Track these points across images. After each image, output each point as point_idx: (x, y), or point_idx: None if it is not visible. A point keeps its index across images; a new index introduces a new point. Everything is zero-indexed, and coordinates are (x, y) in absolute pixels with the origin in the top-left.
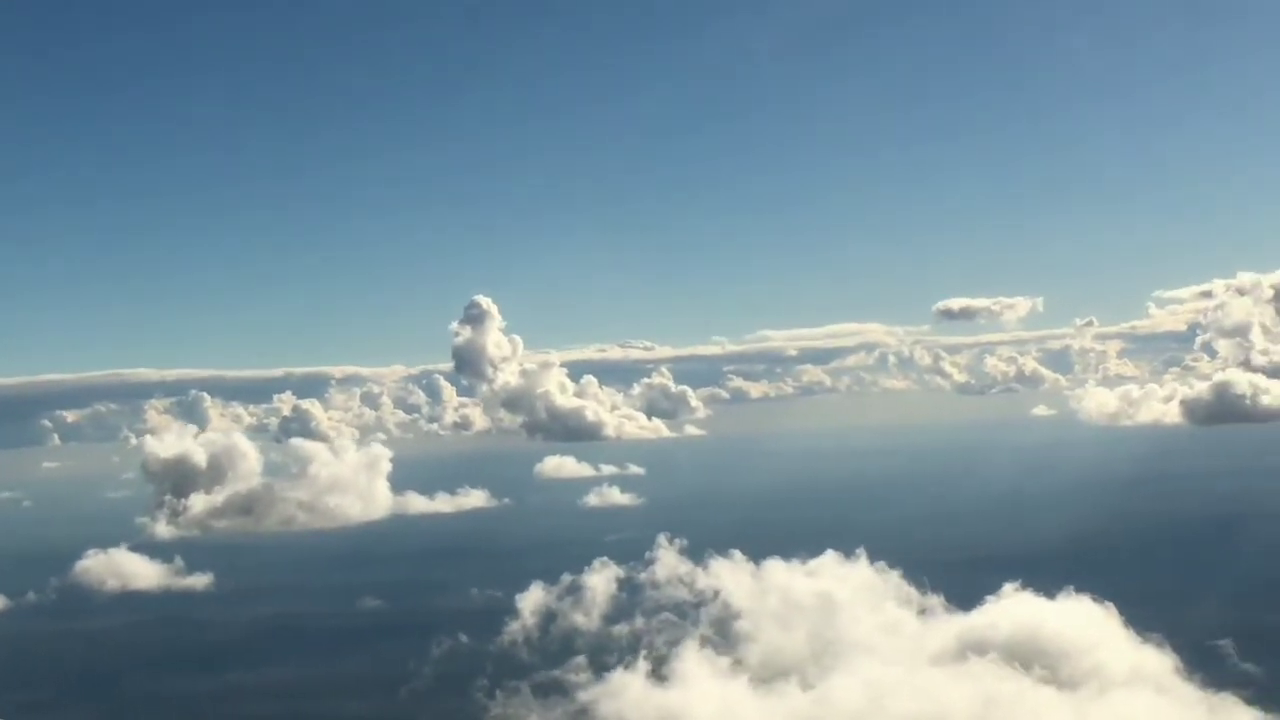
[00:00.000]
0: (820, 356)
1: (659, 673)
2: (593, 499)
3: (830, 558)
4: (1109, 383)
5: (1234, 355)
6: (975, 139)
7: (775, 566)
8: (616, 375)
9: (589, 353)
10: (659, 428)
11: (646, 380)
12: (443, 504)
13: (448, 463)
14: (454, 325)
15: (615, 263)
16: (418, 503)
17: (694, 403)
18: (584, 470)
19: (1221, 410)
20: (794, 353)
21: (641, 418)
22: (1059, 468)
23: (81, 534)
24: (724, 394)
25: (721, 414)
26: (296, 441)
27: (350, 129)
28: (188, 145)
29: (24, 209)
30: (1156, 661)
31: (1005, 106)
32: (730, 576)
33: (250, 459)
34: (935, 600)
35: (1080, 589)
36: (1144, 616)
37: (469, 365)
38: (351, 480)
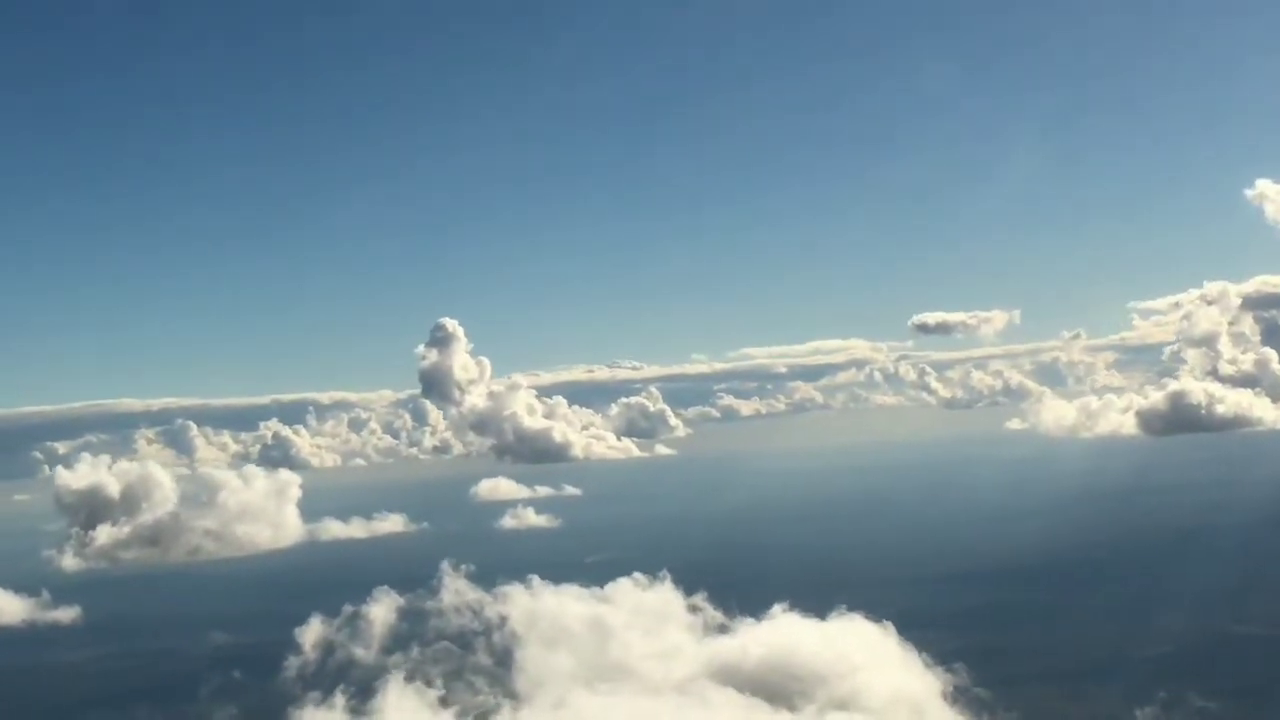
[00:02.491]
0: (810, 374)
1: (360, 709)
2: (509, 521)
3: (629, 582)
4: (1098, 394)
5: (1202, 365)
6: (948, 155)
7: (570, 592)
8: (605, 396)
9: (577, 374)
10: (629, 448)
11: (624, 400)
12: (357, 529)
13: (395, 487)
14: (420, 349)
15: (601, 284)
16: (333, 529)
17: (673, 421)
18: (520, 492)
19: (1176, 420)
20: (784, 370)
21: (611, 438)
22: (997, 484)
23: None
24: (714, 412)
25: (709, 433)
26: (205, 470)
27: (338, 150)
28: (169, 176)
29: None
30: (924, 685)
31: (976, 123)
32: (519, 603)
33: (165, 488)
34: (743, 624)
35: (895, 611)
36: (941, 639)
37: (436, 389)
38: (261, 508)
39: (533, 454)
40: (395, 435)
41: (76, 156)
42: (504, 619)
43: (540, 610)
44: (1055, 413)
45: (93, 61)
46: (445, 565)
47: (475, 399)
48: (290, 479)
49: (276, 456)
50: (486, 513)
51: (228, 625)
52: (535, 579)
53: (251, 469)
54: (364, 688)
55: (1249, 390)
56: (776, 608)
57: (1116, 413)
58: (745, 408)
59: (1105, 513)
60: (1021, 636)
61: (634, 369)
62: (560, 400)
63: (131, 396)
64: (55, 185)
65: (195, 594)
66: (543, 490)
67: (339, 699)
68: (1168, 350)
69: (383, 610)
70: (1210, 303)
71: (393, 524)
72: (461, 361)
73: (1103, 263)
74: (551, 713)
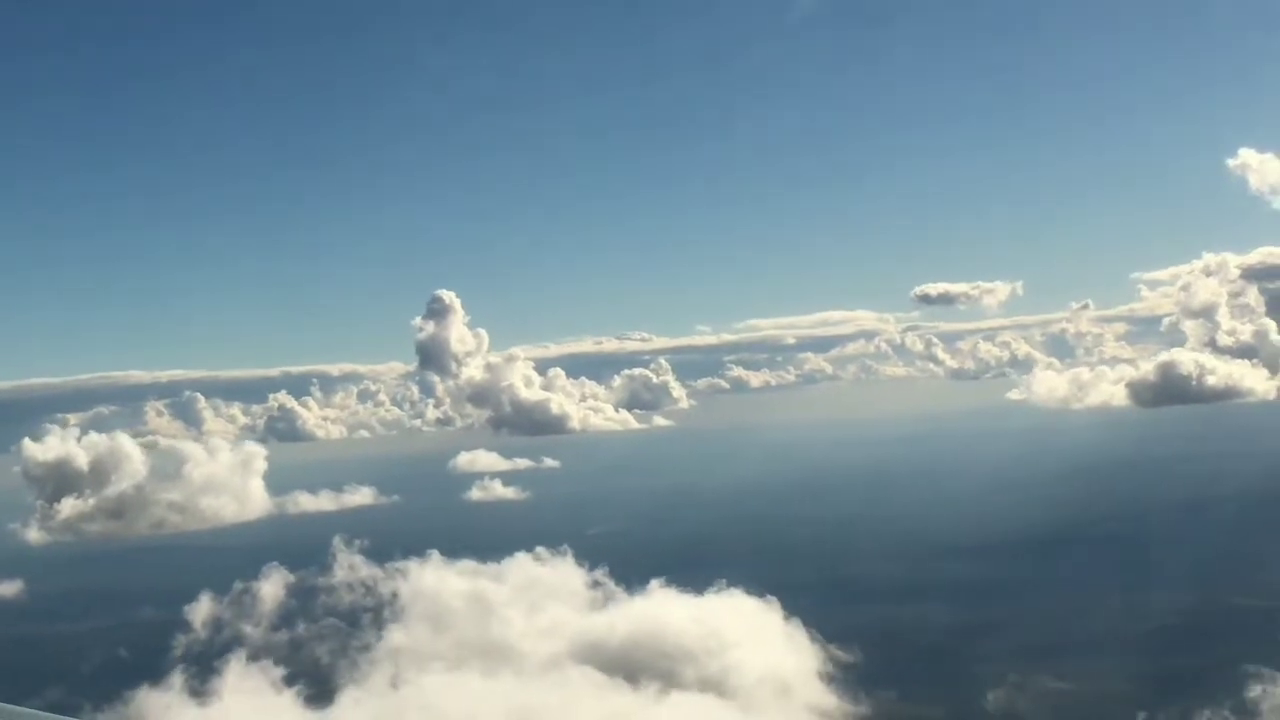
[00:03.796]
0: (819, 345)
1: (200, 689)
2: (476, 494)
3: (528, 558)
4: (1098, 366)
5: (1200, 336)
6: (949, 127)
7: (466, 568)
8: (613, 367)
9: (585, 345)
10: (627, 420)
11: (627, 371)
12: (326, 502)
13: (385, 459)
14: (417, 321)
15: (608, 256)
16: (302, 501)
17: (676, 393)
18: (499, 464)
19: (1166, 392)
20: (792, 341)
21: (609, 409)
22: (986, 458)
23: None
24: (724, 384)
25: (716, 404)
26: (171, 443)
27: (347, 124)
28: (176, 146)
29: (10, 210)
30: (800, 664)
31: (977, 94)
32: (412, 580)
33: (135, 461)
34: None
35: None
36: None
37: (433, 361)
38: (226, 481)
39: (530, 426)
40: (403, 408)
41: (83, 130)
42: (395, 596)
43: (431, 587)
44: (1047, 384)
45: (102, 21)
46: (337, 540)
47: (472, 371)
48: (256, 451)
49: (283, 429)
50: (460, 485)
51: (162, 600)
52: (435, 554)
53: (217, 441)
54: (206, 667)
55: (1246, 361)
56: (654, 583)
57: (1109, 384)
58: (755, 379)
59: (1086, 488)
60: (963, 614)
61: (643, 340)
62: (559, 372)
63: (140, 369)
64: (62, 158)
65: (145, 568)
66: (522, 463)
67: (177, 679)
68: (1166, 321)
69: (273, 587)
70: (1209, 274)
71: (362, 497)
72: (458, 334)
73: (1103, 234)
74: (387, 693)
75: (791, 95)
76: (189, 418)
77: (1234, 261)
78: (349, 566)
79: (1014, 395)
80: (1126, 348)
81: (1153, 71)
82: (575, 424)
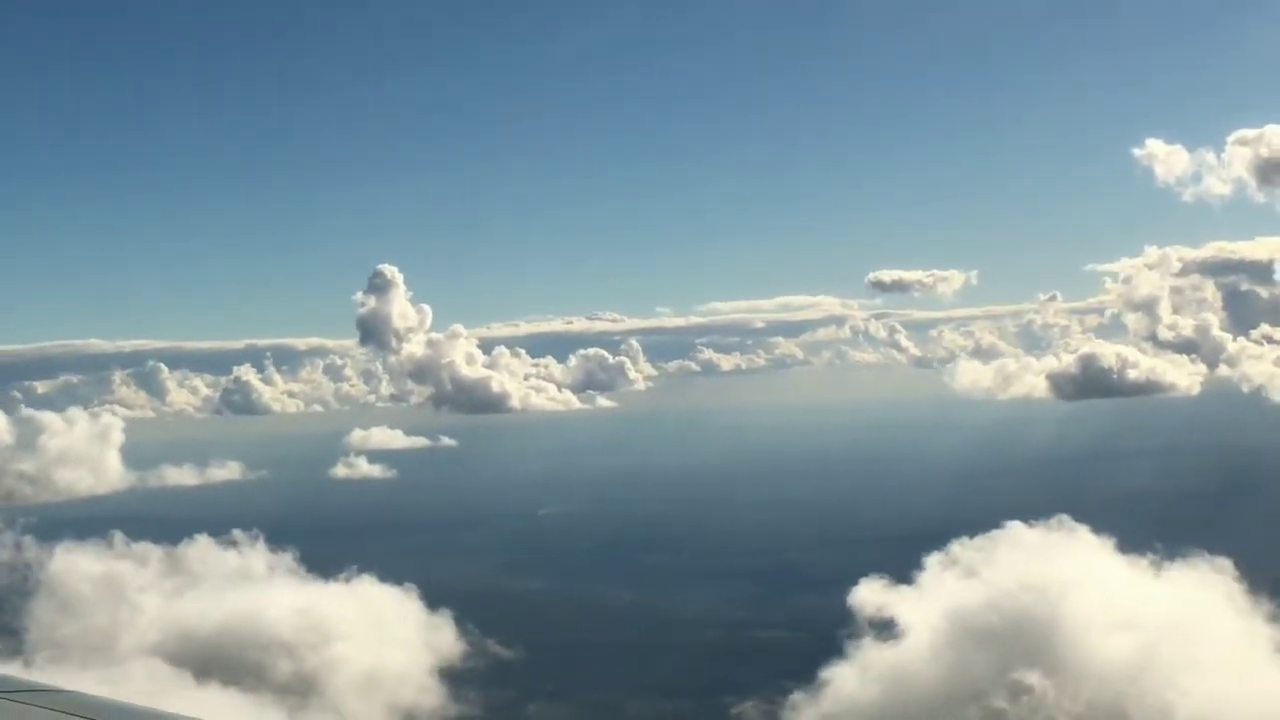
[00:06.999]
0: (789, 329)
1: None
2: (341, 471)
3: (209, 542)
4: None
5: (1141, 330)
6: (902, 117)
7: (135, 552)
8: (582, 347)
9: (555, 325)
10: (570, 400)
11: (583, 351)
12: (189, 476)
13: (298, 435)
14: (358, 295)
15: (573, 235)
16: (167, 475)
17: (632, 375)
18: (394, 441)
19: (1087, 384)
20: (761, 325)
21: (551, 389)
22: (895, 449)
23: None
24: (694, 366)
25: (682, 386)
26: (29, 413)
27: (311, 94)
28: (141, 118)
29: None
30: (416, 657)
31: (924, 84)
32: (74, 561)
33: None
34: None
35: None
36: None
37: (374, 336)
38: (83, 452)
39: (470, 404)
40: (369, 383)
41: (44, 101)
42: (53, 578)
43: (69, 571)
44: (969, 375)
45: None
46: None
47: (414, 347)
48: (113, 423)
49: (238, 402)
50: (329, 462)
51: None
52: (117, 534)
53: (75, 412)
54: None
55: (1186, 356)
56: (280, 571)
57: (1032, 375)
58: (725, 362)
59: (975, 483)
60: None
61: (613, 321)
62: (504, 350)
63: (100, 338)
64: (25, 130)
65: None
66: (420, 442)
67: None
68: (1108, 314)
69: None
70: (1151, 267)
71: (229, 471)
72: (400, 309)
73: (1050, 225)
74: None
75: (756, 84)
76: (153, 388)
77: (1175, 255)
78: (14, 547)
79: (956, 385)
80: (1092, 339)
81: (1096, 62)
82: (516, 403)
